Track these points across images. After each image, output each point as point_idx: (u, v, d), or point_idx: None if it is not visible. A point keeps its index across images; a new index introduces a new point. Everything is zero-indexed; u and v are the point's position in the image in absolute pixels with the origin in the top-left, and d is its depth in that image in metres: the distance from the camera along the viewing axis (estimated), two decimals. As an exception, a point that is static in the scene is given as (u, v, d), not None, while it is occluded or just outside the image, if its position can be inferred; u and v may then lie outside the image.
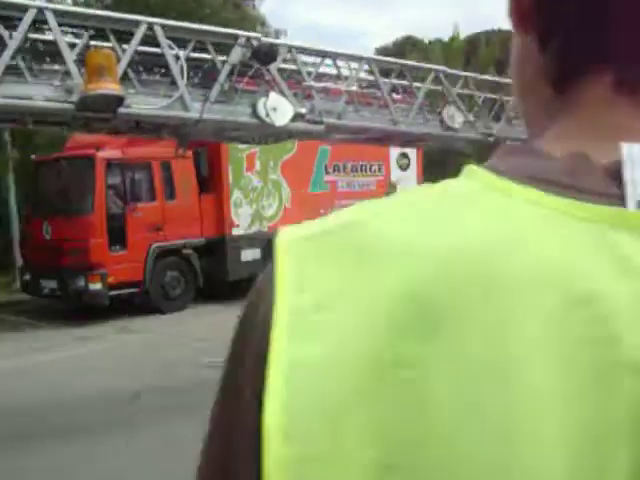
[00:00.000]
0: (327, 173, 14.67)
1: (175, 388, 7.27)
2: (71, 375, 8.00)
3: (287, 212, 13.64)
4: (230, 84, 5.96)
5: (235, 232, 12.60)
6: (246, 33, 5.90)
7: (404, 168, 16.71)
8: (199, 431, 0.56)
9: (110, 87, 5.12)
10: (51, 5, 5.24)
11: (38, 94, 5.17)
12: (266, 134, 6.46)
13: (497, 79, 7.91)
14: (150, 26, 5.52)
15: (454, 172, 0.47)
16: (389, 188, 15.19)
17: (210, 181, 12.49)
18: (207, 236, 12.33)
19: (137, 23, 5.50)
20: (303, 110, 6.15)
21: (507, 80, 8.05)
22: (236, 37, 5.88)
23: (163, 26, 5.60)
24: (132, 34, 5.54)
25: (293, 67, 6.36)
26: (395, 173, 16.40)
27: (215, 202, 12.47)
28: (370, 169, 15.79)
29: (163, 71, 5.98)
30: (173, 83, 5.78)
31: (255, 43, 5.94)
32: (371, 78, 6.84)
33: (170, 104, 5.59)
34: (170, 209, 11.77)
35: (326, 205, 14.48)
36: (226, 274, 12.30)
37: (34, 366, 8.45)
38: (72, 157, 11.62)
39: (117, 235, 11.17)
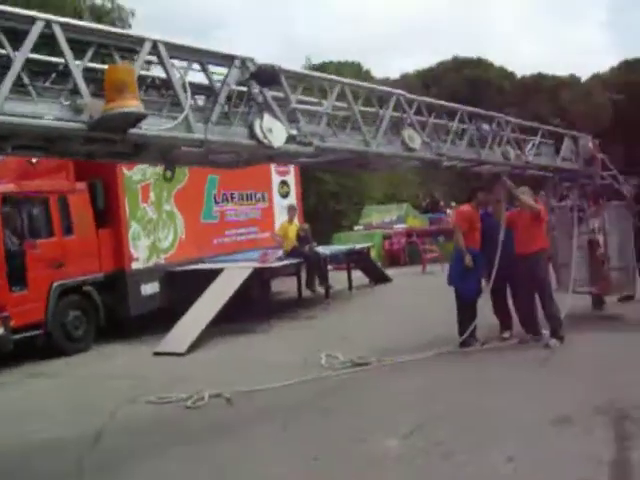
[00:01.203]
0: (216, 203, 14.54)
1: (125, 429, 6.99)
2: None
3: (182, 243, 13.32)
4: (227, 106, 5.83)
5: (135, 266, 12.13)
6: (242, 55, 5.79)
7: (284, 196, 16.93)
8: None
9: (133, 104, 4.83)
10: (60, 18, 4.84)
11: (48, 113, 4.77)
12: (258, 156, 6.36)
13: (448, 104, 8.27)
14: (154, 44, 5.28)
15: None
16: (289, 211, 15.32)
17: (107, 214, 11.98)
18: (106, 271, 11.78)
19: (141, 41, 5.23)
20: (294, 132, 6.13)
21: (455, 105, 8.47)
22: (232, 58, 5.76)
23: (166, 44, 5.37)
24: (132, 51, 5.27)
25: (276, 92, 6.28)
26: (277, 201, 16.57)
27: (113, 236, 11.99)
28: (255, 198, 15.84)
29: (162, 91, 5.71)
30: (174, 104, 5.55)
31: (250, 65, 5.86)
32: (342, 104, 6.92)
33: (176, 125, 5.35)
34: (69, 244, 11.14)
35: (217, 235, 14.35)
36: (127, 310, 11.80)
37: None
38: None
39: (17, 274, 10.37)
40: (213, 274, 12.35)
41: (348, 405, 7.34)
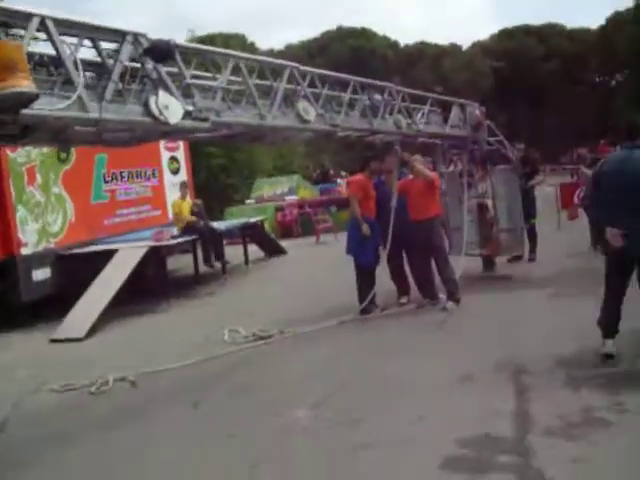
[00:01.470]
0: (106, 182, 14.18)
1: (29, 419, 6.87)
2: None
3: (72, 226, 12.95)
4: (121, 83, 5.71)
5: (24, 251, 11.71)
6: (134, 31, 5.67)
7: (175, 172, 16.70)
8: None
9: (25, 84, 4.66)
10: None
11: None
12: (154, 133, 6.27)
13: (340, 75, 8.35)
14: (42, 20, 5.10)
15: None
16: (182, 188, 15.11)
17: (-8, 199, 11.46)
18: (-5, 257, 11.33)
19: (29, 16, 5.03)
20: (190, 108, 6.08)
21: (347, 76, 8.56)
22: (124, 34, 5.64)
23: (54, 20, 5.19)
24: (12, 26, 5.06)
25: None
26: (168, 177, 16.32)
27: (0, 221, 11.47)
28: (145, 175, 15.56)
29: (51, 69, 5.52)
30: (65, 82, 5.39)
31: (143, 41, 5.75)
32: (236, 78, 6.91)
33: (69, 105, 5.21)
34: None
35: (108, 216, 14.04)
36: (19, 296, 11.41)
37: None
38: None
39: None
40: (107, 256, 12.10)
41: (255, 379, 7.41)
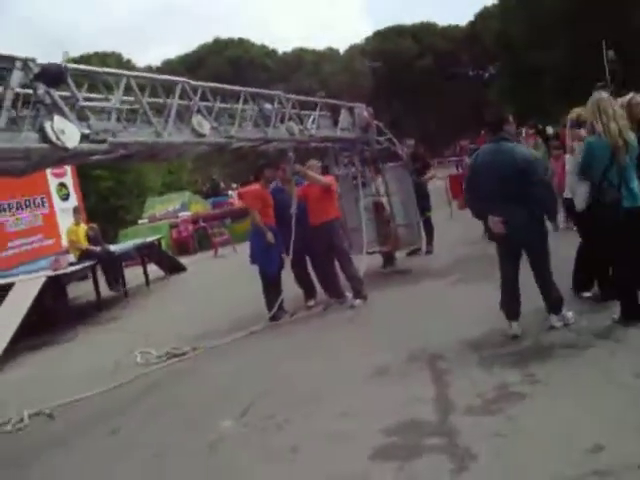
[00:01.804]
0: (-6, 215, 13.76)
1: None
2: None
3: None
4: (15, 110, 5.64)
5: None
6: (23, 56, 5.61)
7: (64, 198, 16.35)
8: None
9: None
10: None
11: None
12: (51, 159, 6.20)
13: (231, 87, 8.45)
14: None
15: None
16: (75, 214, 14.78)
17: None
18: None
19: None
20: (86, 130, 6.06)
21: (237, 88, 8.68)
22: (13, 60, 5.58)
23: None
24: None
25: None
26: (58, 204, 15.97)
27: None
28: (34, 204, 15.17)
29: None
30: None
31: (32, 66, 5.70)
32: (129, 98, 6.92)
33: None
34: None
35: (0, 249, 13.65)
36: None
37: None
38: None
39: None
40: (3, 290, 11.75)
41: (174, 397, 7.41)
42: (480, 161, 6.97)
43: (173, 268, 18.14)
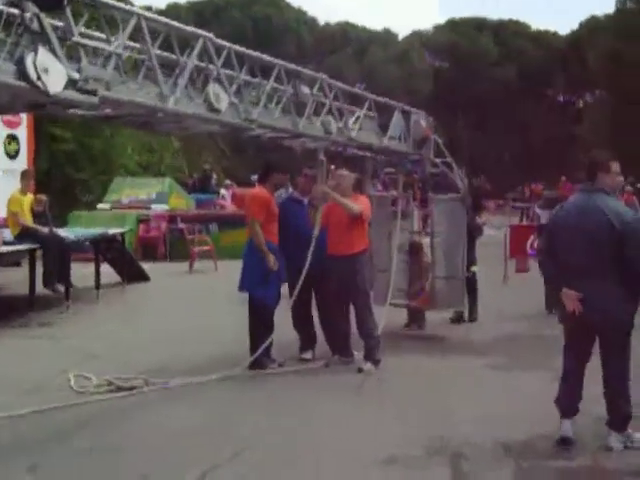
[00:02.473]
0: None
1: None
2: None
3: None
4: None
5: None
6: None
7: (13, 155, 16.45)
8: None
9: None
10: None
11: None
12: (22, 103, 6.32)
13: (265, 57, 8.59)
14: None
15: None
16: (24, 178, 14.81)
17: None
18: None
19: None
20: (76, 75, 6.17)
21: (272, 59, 8.82)
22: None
23: None
24: None
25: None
26: (3, 162, 16.06)
27: None
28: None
29: None
30: None
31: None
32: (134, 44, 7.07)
33: None
34: None
35: None
36: None
37: None
38: None
39: None
40: None
41: (113, 441, 7.43)
42: (564, 215, 7.07)
43: (133, 275, 18.16)
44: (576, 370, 7.07)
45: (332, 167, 11.91)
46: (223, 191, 30.81)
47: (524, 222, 33.67)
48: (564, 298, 6.91)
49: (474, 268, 13.52)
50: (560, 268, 6.97)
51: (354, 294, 10.17)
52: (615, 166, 7.10)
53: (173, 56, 7.46)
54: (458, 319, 13.19)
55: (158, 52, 7.28)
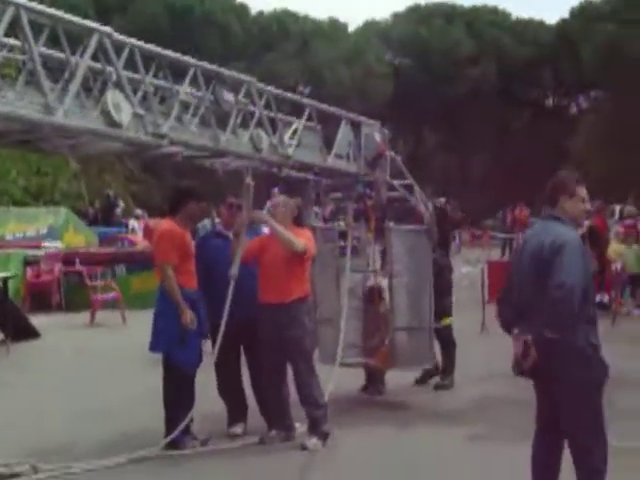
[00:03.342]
0: None
1: None
2: None
3: None
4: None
5: None
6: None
7: None
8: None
9: None
10: None
11: None
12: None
13: (175, 56, 8.57)
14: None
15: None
16: None
17: None
18: None
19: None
20: None
21: (186, 58, 8.79)
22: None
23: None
24: None
25: None
26: None
27: None
28: None
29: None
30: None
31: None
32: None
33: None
34: None
35: None
36: None
37: None
38: None
39: None
40: None
41: None
42: (519, 249, 7.16)
43: (20, 331, 17.91)
44: (541, 453, 7.13)
45: (275, 190, 11.86)
46: (133, 223, 30.70)
47: (506, 257, 33.51)
48: (513, 341, 6.91)
49: (448, 320, 13.28)
50: (515, 305, 6.99)
51: (292, 353, 10.04)
52: (581, 191, 7.05)
53: (62, 55, 7.38)
54: (424, 378, 13.05)
55: (43, 50, 7.21)
